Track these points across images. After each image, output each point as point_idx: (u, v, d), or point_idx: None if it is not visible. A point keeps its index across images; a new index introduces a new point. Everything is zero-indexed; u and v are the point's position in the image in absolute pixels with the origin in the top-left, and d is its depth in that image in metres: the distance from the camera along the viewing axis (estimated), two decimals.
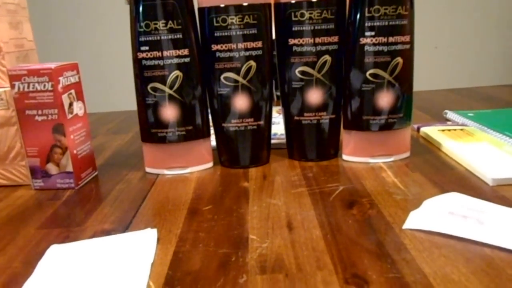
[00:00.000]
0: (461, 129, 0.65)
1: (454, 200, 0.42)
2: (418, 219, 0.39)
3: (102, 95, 2.13)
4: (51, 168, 0.52)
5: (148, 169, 0.57)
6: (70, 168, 0.51)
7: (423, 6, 2.19)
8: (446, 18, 2.24)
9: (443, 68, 2.29)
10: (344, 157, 0.57)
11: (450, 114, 0.75)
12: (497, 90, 1.00)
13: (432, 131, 0.65)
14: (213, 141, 0.58)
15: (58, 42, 2.23)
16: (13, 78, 0.49)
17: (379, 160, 0.56)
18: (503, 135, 0.61)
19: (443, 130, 0.65)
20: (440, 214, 0.40)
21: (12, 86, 0.49)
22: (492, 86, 1.06)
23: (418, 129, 0.68)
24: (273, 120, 0.72)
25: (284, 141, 0.61)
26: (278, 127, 0.70)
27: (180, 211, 0.45)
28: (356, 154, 0.56)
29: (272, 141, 0.61)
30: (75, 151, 0.52)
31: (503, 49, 2.29)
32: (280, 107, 0.61)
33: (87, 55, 2.26)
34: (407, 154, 0.57)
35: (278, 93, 0.60)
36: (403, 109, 0.55)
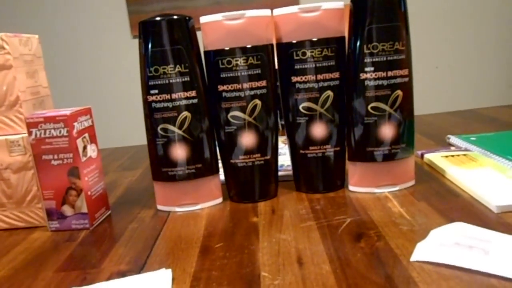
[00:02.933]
0: (464, 155, 0.67)
1: (459, 230, 0.43)
2: (425, 251, 0.40)
3: (110, 129, 2.18)
4: (67, 209, 0.53)
5: (159, 207, 0.59)
6: (84, 209, 0.53)
7: (423, 27, 2.23)
8: (446, 38, 2.27)
9: (445, 88, 2.31)
10: (350, 187, 0.59)
11: (453, 139, 0.76)
12: (500, 111, 1.01)
13: (435, 157, 0.66)
14: (221, 174, 0.60)
15: (69, 80, 2.29)
16: (31, 125, 0.51)
17: (385, 190, 0.57)
18: (506, 159, 0.62)
19: (446, 156, 0.66)
20: (446, 245, 0.41)
21: (30, 133, 0.51)
22: (494, 107, 1.08)
23: (422, 155, 0.70)
24: (279, 151, 0.74)
25: (290, 173, 0.63)
26: (284, 158, 0.72)
27: (192, 249, 0.46)
28: (362, 184, 0.58)
29: (280, 173, 0.63)
30: (89, 192, 0.54)
31: (504, 69, 2.31)
32: (285, 137, 0.63)
33: (94, 91, 2.31)
34: (412, 183, 0.58)
35: (283, 122, 0.62)
36: (405, 139, 0.56)
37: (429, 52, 2.28)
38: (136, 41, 2.24)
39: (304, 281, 0.38)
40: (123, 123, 2.29)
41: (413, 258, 0.40)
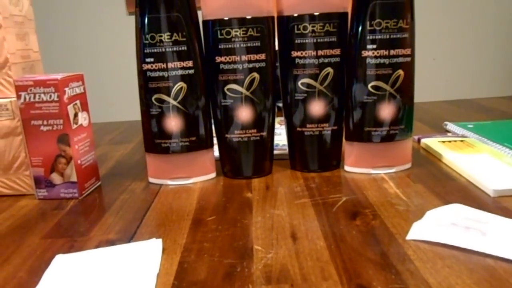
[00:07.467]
0: (461, 141, 0.66)
1: (456, 211, 0.43)
2: (421, 230, 0.40)
3: (102, 105, 2.14)
4: (55, 178, 0.52)
5: (151, 179, 0.57)
6: (74, 178, 0.52)
7: (421, 18, 2.21)
8: (444, 29, 2.27)
9: (441, 80, 2.31)
10: (346, 168, 0.58)
11: (450, 126, 0.76)
12: (495, 102, 1.01)
13: (432, 142, 0.66)
14: (216, 151, 0.59)
15: (62, 53, 2.25)
16: (20, 88, 0.49)
17: (381, 171, 0.56)
18: (503, 146, 0.61)
19: (443, 142, 0.66)
20: (443, 225, 0.40)
21: (18, 97, 0.49)
22: (490, 98, 1.07)
23: (419, 140, 0.69)
24: (275, 131, 0.73)
25: (285, 152, 0.62)
26: (279, 138, 0.70)
27: (184, 221, 0.45)
28: (358, 165, 0.57)
29: (274, 152, 0.61)
30: (79, 161, 0.52)
31: (500, 61, 2.32)
32: (281, 118, 0.61)
33: (87, 66, 2.27)
34: (408, 165, 0.58)
35: (279, 104, 0.61)
36: (405, 121, 0.55)
37: (426, 43, 2.27)
38: (132, 17, 2.20)
39: (298, 255, 0.37)
40: (115, 99, 2.25)
41: (409, 237, 0.39)
